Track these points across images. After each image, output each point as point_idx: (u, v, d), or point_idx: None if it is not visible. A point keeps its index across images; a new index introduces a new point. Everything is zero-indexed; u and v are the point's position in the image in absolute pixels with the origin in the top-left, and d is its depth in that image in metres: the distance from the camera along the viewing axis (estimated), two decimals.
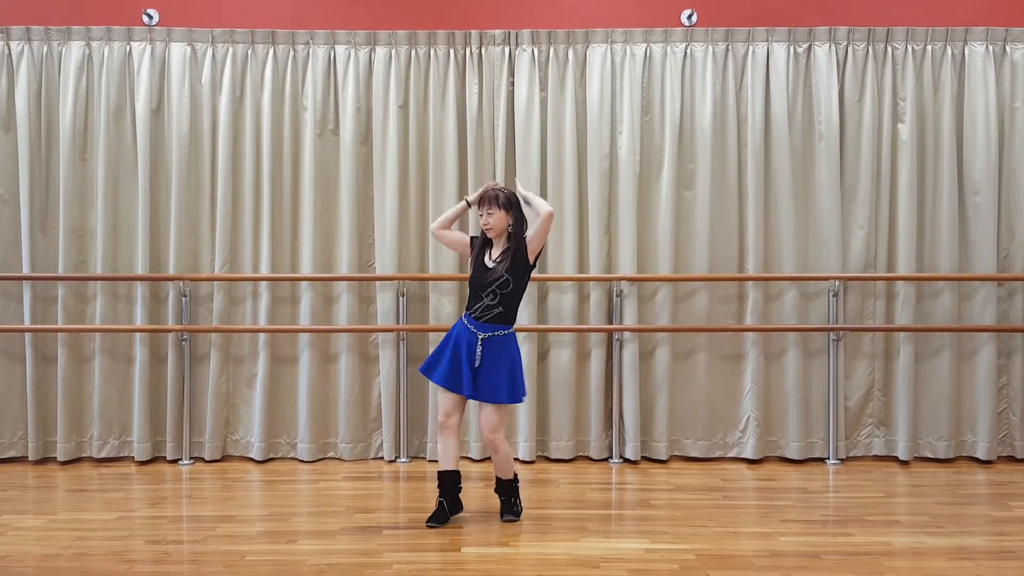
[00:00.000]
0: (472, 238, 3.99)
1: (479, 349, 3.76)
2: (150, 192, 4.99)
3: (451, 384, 3.81)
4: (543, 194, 4.96)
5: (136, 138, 5.01)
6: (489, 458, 5.01)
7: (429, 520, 3.82)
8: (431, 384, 4.95)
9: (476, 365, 3.75)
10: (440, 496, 3.87)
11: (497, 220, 3.80)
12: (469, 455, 5.06)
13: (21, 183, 4.97)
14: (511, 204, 3.83)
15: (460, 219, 4.21)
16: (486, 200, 3.82)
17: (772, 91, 5.00)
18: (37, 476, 4.80)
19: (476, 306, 3.82)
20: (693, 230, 5.02)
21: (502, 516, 3.90)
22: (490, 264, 3.84)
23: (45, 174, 5.05)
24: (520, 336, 4.92)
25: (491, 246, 3.90)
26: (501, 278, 3.77)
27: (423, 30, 5.04)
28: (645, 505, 4.16)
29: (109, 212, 4.98)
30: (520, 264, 3.81)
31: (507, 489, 3.93)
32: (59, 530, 3.77)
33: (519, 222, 3.84)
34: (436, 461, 4.91)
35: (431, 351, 4.90)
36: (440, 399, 3.89)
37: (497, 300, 3.78)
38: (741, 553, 3.44)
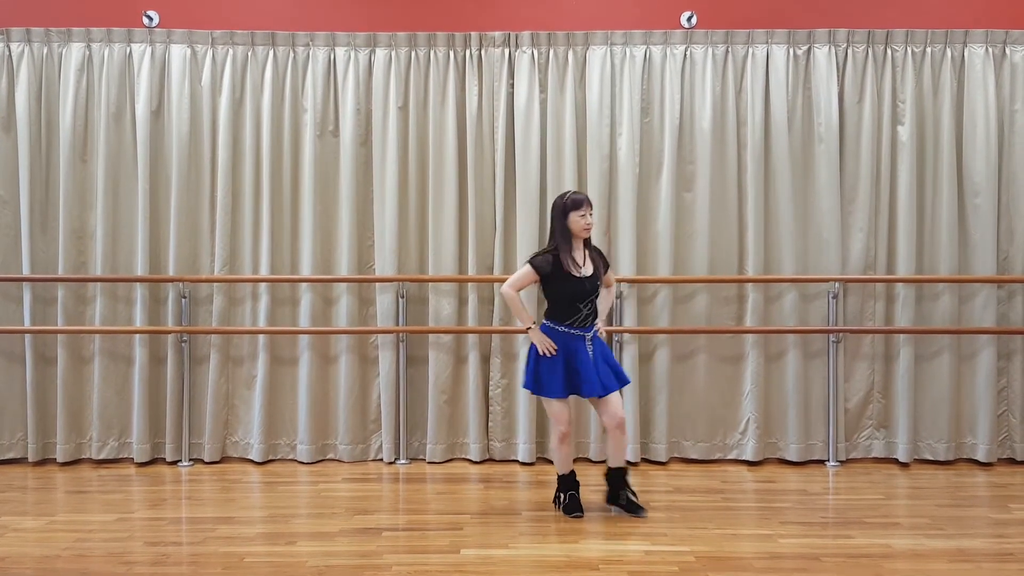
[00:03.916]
0: (535, 268, 3.90)
1: (591, 348, 3.91)
2: (150, 193, 4.99)
3: (571, 391, 3.91)
4: (543, 195, 4.97)
5: (136, 139, 5.01)
6: (488, 460, 5.04)
7: (572, 513, 3.96)
8: (430, 386, 4.98)
9: (592, 363, 3.88)
10: (570, 491, 4.02)
11: (593, 220, 3.98)
12: (468, 457, 5.05)
13: (21, 184, 4.97)
14: None
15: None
16: (588, 202, 3.93)
17: (772, 93, 5.00)
18: (36, 477, 4.80)
19: (575, 317, 3.90)
20: (693, 232, 5.02)
21: (638, 512, 3.97)
22: (579, 274, 3.90)
23: (45, 175, 5.05)
24: (519, 338, 4.94)
25: (568, 256, 3.89)
26: (596, 290, 3.95)
27: (423, 32, 5.04)
28: (645, 507, 4.15)
29: (109, 213, 4.99)
30: (601, 272, 4.00)
31: (623, 478, 4.03)
32: (58, 531, 3.77)
33: None
34: (435, 463, 4.97)
35: (431, 352, 4.96)
36: (558, 411, 3.91)
37: (592, 308, 3.95)
38: (741, 555, 3.43)
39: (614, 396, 3.93)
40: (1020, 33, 5.01)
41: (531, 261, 3.94)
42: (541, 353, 3.88)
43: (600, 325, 4.03)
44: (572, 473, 4.05)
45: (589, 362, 3.88)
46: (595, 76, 5.00)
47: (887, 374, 5.07)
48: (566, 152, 4.99)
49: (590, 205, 3.93)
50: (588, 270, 3.93)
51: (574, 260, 3.90)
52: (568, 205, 3.89)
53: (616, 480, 4.04)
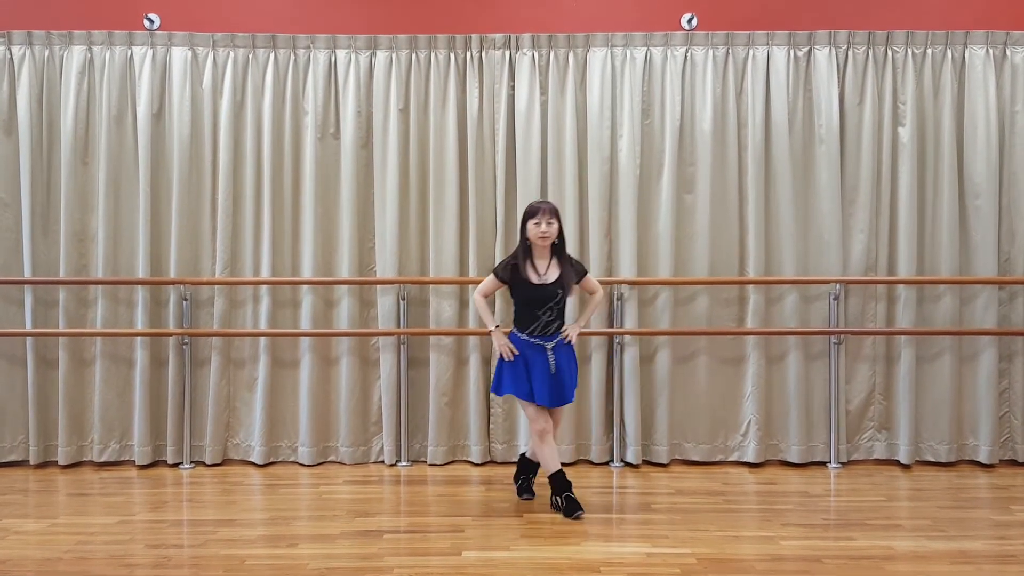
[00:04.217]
0: (495, 274, 4.10)
1: (552, 357, 3.97)
2: (151, 196, 5.00)
3: (531, 397, 3.98)
4: (543, 197, 4.97)
5: (137, 142, 5.02)
6: (489, 462, 5.04)
7: (573, 514, 3.95)
8: (431, 388, 4.99)
9: (553, 372, 3.95)
10: (565, 492, 4.02)
11: (554, 230, 3.98)
12: (470, 459, 5.05)
13: (23, 187, 4.97)
14: (559, 216, 4.05)
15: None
16: (546, 211, 3.96)
17: (772, 95, 5.00)
18: (38, 480, 4.80)
19: (534, 325, 3.99)
20: (693, 233, 5.02)
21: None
22: (537, 280, 3.98)
23: (46, 178, 5.05)
24: None
25: (529, 262, 4.00)
26: (558, 296, 3.98)
27: (424, 34, 5.05)
28: (646, 509, 4.15)
29: (110, 216, 4.99)
30: (569, 280, 4.04)
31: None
32: (60, 534, 3.77)
33: (562, 234, 4.05)
34: (436, 465, 4.97)
35: (432, 354, 4.97)
36: (532, 412, 4.02)
37: (555, 314, 4.00)
38: (742, 557, 3.43)
39: (558, 411, 4.10)
40: (1020, 34, 5.01)
41: (494, 268, 4.13)
42: (500, 356, 4.03)
43: (570, 331, 4.05)
44: (562, 472, 4.05)
45: (546, 373, 3.95)
46: (595, 78, 5.00)
47: (888, 376, 5.06)
48: (567, 154, 4.99)
49: (549, 213, 3.95)
50: (550, 277, 3.98)
51: (534, 267, 3.99)
52: (526, 213, 4.02)
53: (526, 467, 4.31)
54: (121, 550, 3.54)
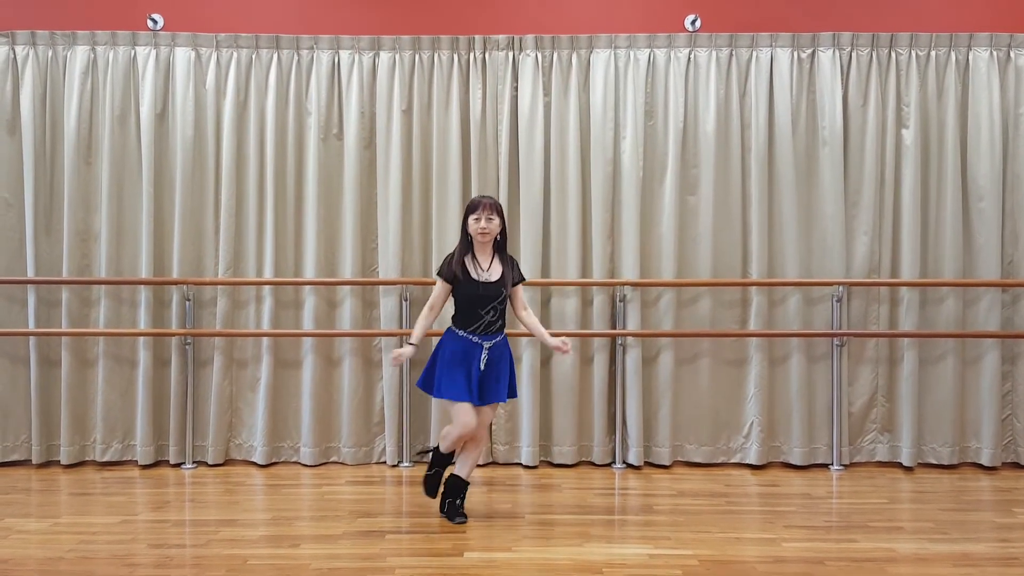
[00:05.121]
0: (441, 276, 3.92)
1: (485, 356, 3.83)
2: (154, 196, 5.00)
3: (470, 397, 3.83)
4: (547, 198, 4.99)
5: (140, 142, 5.02)
6: (491, 463, 5.04)
7: (453, 518, 3.91)
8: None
9: (482, 370, 3.82)
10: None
11: (495, 225, 3.87)
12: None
13: (26, 187, 4.98)
14: (502, 212, 3.93)
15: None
16: (487, 206, 3.85)
17: (776, 96, 5.00)
18: (40, 479, 4.80)
19: (477, 324, 3.84)
20: (696, 235, 5.01)
21: (455, 519, 3.90)
22: (479, 278, 3.85)
23: (50, 178, 5.06)
24: (523, 341, 4.95)
25: (471, 258, 3.88)
26: (500, 296, 3.87)
27: (427, 35, 5.05)
28: (648, 510, 4.15)
29: (113, 216, 4.99)
30: (510, 280, 3.91)
31: (463, 489, 3.97)
32: (62, 534, 3.77)
33: (504, 231, 3.94)
34: None
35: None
36: (464, 413, 3.80)
37: (497, 315, 3.89)
38: (744, 559, 3.43)
39: (488, 408, 3.90)
40: None
41: (437, 272, 3.96)
42: (435, 355, 3.90)
43: (556, 341, 3.90)
44: (452, 455, 3.97)
45: (478, 372, 3.83)
46: (599, 79, 5.00)
47: (891, 378, 5.06)
48: (570, 155, 4.99)
49: (490, 208, 3.82)
50: (491, 276, 3.87)
51: (476, 263, 3.88)
52: (468, 208, 3.90)
53: (454, 489, 3.96)
54: (123, 550, 3.54)
